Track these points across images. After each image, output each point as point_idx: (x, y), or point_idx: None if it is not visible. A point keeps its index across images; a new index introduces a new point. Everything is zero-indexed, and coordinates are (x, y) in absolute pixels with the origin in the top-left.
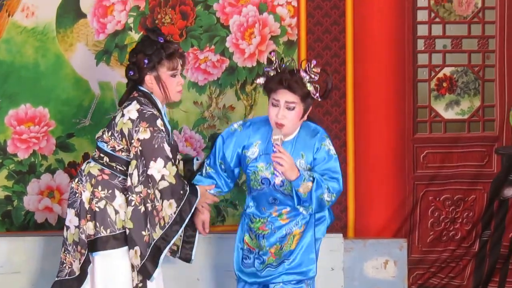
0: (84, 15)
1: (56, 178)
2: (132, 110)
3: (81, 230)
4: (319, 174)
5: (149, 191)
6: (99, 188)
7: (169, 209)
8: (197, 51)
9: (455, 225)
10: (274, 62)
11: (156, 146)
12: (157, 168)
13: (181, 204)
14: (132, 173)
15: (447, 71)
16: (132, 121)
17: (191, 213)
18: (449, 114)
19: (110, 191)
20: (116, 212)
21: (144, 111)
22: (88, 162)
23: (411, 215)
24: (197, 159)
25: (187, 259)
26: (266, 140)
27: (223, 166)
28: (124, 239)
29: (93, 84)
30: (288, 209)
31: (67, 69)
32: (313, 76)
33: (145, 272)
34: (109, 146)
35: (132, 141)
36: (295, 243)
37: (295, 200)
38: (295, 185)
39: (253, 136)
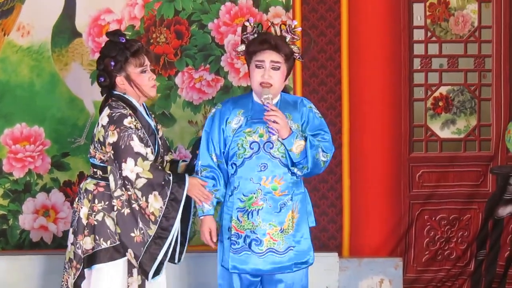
0: (79, 35)
1: (52, 197)
2: (103, 117)
3: (77, 246)
4: (311, 136)
5: (129, 192)
6: (96, 201)
7: (156, 203)
8: (192, 71)
9: (450, 245)
10: (252, 27)
11: (123, 146)
12: (129, 168)
13: (168, 194)
14: (109, 178)
15: (443, 90)
16: (104, 127)
17: (183, 199)
18: (445, 133)
19: (107, 202)
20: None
21: (113, 114)
22: (85, 180)
23: (407, 234)
24: (184, 161)
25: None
26: (249, 108)
27: (215, 159)
28: (125, 251)
29: (88, 103)
30: (279, 177)
31: (62, 88)
32: (295, 36)
33: (143, 271)
34: (97, 159)
35: (105, 146)
36: (293, 226)
37: (289, 161)
38: (288, 144)
39: (234, 108)
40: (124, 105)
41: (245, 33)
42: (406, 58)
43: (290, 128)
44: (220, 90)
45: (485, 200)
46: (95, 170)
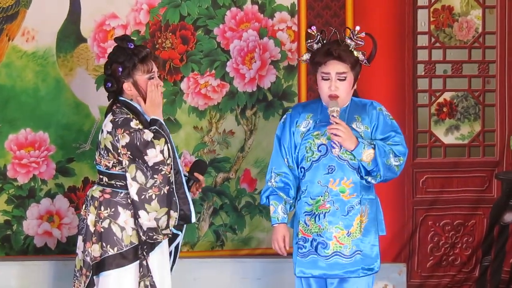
0: (84, 40)
1: (56, 203)
2: (107, 124)
3: (86, 253)
4: (381, 141)
5: (163, 171)
6: (102, 208)
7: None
8: (197, 76)
9: (455, 250)
10: (316, 35)
11: (139, 143)
12: (152, 155)
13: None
14: (135, 176)
15: (447, 96)
16: (110, 133)
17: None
18: (449, 139)
19: (113, 209)
20: (122, 229)
21: (117, 120)
22: (92, 187)
23: (411, 240)
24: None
25: None
26: (318, 112)
27: (287, 164)
28: (132, 257)
29: (93, 109)
30: (347, 179)
31: (67, 94)
32: (359, 42)
33: (186, 218)
34: (103, 166)
35: (119, 151)
36: (361, 230)
37: (362, 171)
38: (357, 155)
39: (303, 112)
40: (127, 111)
41: (309, 41)
42: (410, 64)
43: (357, 139)
44: (226, 95)
45: (490, 205)
46: (101, 177)
